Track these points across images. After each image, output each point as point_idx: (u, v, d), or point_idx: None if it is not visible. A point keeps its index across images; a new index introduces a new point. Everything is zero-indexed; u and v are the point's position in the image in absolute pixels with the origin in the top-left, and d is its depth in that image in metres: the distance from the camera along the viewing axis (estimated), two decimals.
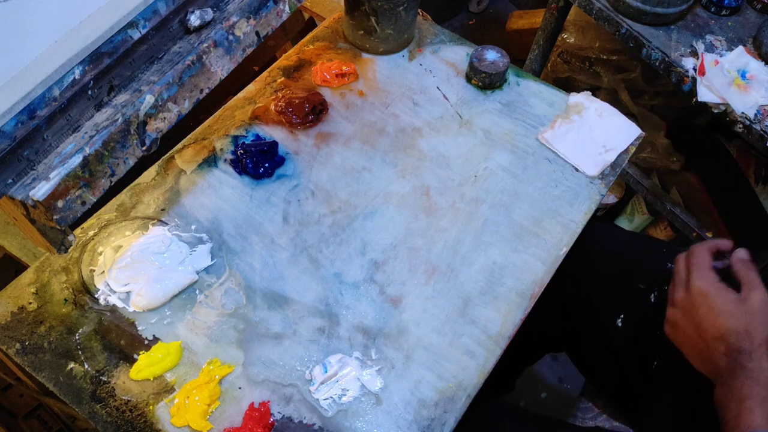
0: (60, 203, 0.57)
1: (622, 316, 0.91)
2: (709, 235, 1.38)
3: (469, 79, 1.02)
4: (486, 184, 0.92)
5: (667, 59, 1.11)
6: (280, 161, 0.91)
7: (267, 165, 0.90)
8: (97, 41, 0.58)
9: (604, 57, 1.57)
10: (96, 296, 0.78)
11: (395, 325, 0.79)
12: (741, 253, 0.72)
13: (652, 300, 0.89)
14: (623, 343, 0.91)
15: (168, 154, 0.91)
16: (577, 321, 0.98)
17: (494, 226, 0.88)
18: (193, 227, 0.85)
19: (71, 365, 0.74)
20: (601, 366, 0.98)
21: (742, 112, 1.05)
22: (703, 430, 0.74)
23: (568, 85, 1.68)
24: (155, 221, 0.85)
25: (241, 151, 0.90)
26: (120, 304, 0.78)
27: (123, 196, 0.87)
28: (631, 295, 0.90)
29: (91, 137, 0.59)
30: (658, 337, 0.87)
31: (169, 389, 0.73)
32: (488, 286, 0.83)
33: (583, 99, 1.00)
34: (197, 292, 0.80)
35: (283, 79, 1.00)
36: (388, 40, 1.02)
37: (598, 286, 0.93)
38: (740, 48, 1.11)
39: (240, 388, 0.74)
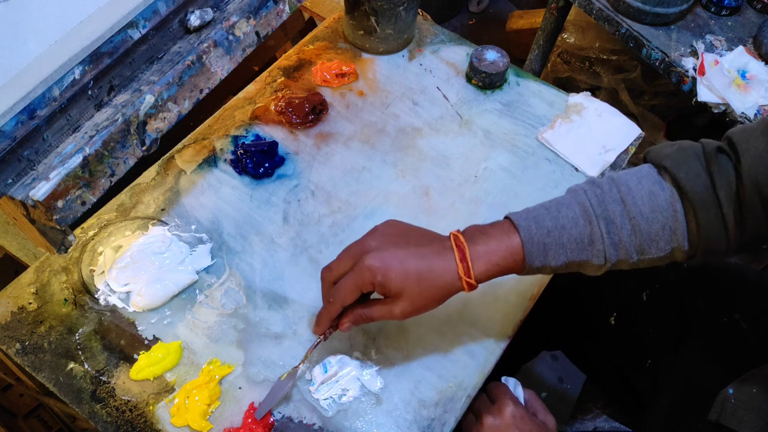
0: (60, 203, 0.57)
1: (615, 314, 0.91)
2: None
3: (469, 79, 1.02)
4: (486, 184, 0.92)
5: (667, 59, 1.11)
6: (280, 161, 0.91)
7: (267, 165, 0.90)
8: (97, 41, 0.58)
9: (604, 57, 1.57)
10: (96, 296, 0.78)
11: (395, 325, 0.79)
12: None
13: (644, 298, 0.89)
14: (617, 341, 0.91)
15: (168, 154, 0.91)
16: (571, 320, 0.99)
17: None
18: (193, 227, 0.85)
19: (71, 365, 0.74)
20: (599, 364, 0.98)
21: (742, 112, 1.05)
22: (700, 430, 0.75)
23: (568, 85, 1.68)
24: (155, 221, 0.85)
25: (241, 151, 0.90)
26: (120, 304, 0.78)
27: (123, 196, 0.87)
28: (623, 293, 0.91)
29: (91, 137, 0.59)
30: (651, 335, 0.88)
31: (169, 389, 0.73)
32: (488, 286, 0.83)
33: (582, 99, 1.00)
34: (197, 292, 0.80)
35: (283, 79, 1.00)
36: (388, 40, 1.02)
37: (591, 285, 0.94)
38: (740, 48, 1.11)
39: (240, 388, 0.74)
